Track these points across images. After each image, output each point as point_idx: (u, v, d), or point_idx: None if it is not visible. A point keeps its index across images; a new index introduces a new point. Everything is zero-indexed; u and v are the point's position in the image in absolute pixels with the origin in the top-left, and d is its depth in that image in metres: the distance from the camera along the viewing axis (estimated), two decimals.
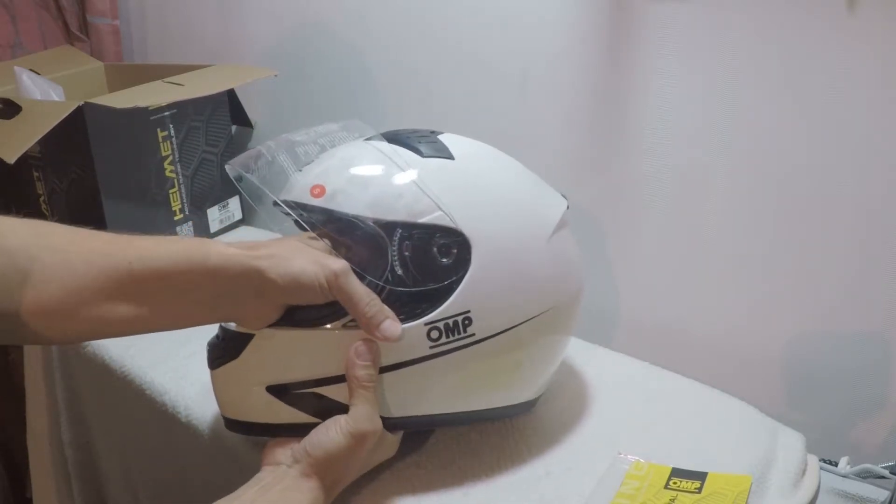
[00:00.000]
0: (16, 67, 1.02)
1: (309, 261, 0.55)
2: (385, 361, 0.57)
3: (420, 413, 0.60)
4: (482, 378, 0.60)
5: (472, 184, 0.60)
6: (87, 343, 0.83)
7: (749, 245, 0.74)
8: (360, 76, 0.99)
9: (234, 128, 1.10)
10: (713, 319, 0.78)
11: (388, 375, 0.57)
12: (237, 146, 1.12)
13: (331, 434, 0.55)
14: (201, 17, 1.18)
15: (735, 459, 0.61)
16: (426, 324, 0.56)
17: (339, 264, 0.55)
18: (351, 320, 0.56)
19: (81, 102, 0.86)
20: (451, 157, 0.60)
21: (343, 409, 0.56)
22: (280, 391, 0.58)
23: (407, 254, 0.56)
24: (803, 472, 0.63)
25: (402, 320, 0.56)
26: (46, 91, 1.02)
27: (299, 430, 0.56)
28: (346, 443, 0.54)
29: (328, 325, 0.57)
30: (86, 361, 0.83)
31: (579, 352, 0.78)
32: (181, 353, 0.78)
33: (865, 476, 0.66)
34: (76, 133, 0.89)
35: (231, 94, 1.08)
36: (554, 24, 0.79)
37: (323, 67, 1.03)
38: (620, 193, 0.80)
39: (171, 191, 1.01)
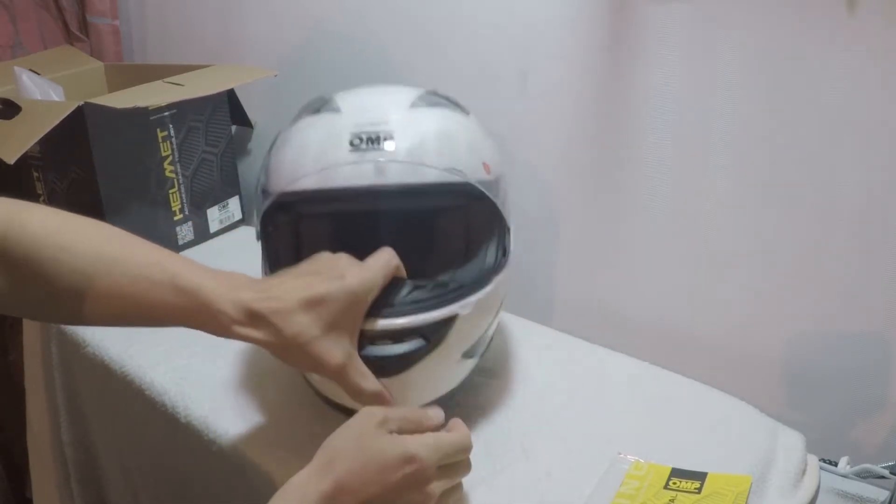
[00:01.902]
0: (16, 67, 1.02)
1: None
2: None
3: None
4: None
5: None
6: (86, 343, 0.83)
7: (749, 245, 0.74)
8: (360, 76, 0.99)
9: (234, 128, 1.10)
10: (713, 319, 0.78)
11: None
12: (237, 146, 1.12)
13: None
14: (201, 17, 1.18)
15: (735, 459, 0.61)
16: None
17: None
18: None
19: (81, 102, 0.86)
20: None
21: None
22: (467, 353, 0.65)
23: None
24: (803, 472, 0.63)
25: None
26: (46, 91, 1.02)
27: None
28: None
29: None
30: (86, 361, 0.83)
31: (579, 351, 0.78)
32: (182, 354, 0.78)
33: (865, 476, 0.66)
34: (76, 133, 0.89)
35: (231, 94, 1.08)
36: (554, 24, 0.79)
37: (323, 67, 1.03)
38: (620, 193, 0.80)
39: (171, 191, 1.01)
